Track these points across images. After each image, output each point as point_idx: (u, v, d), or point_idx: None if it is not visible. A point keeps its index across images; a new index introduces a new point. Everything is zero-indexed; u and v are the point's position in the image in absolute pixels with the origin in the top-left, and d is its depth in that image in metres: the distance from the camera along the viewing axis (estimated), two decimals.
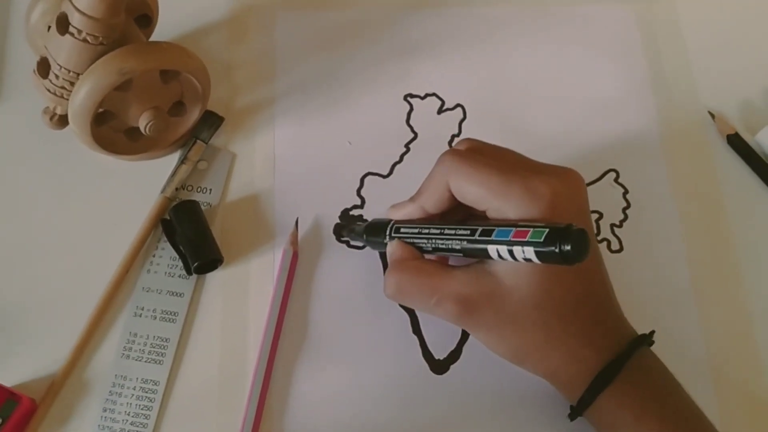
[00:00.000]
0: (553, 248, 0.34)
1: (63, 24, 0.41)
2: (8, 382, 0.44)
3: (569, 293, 0.39)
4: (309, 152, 0.51)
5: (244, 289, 0.47)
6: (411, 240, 0.42)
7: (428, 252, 0.42)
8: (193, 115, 0.49)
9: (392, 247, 0.43)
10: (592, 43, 0.55)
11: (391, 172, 0.50)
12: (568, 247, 0.33)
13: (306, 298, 0.47)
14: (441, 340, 0.46)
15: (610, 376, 0.39)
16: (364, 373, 0.45)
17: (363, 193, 0.50)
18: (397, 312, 0.47)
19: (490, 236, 0.37)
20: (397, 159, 0.51)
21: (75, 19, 0.40)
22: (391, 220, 0.44)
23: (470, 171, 0.39)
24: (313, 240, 0.48)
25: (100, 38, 0.41)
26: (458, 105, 0.53)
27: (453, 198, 0.41)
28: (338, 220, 0.49)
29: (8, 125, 0.51)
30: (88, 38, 0.41)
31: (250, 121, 0.51)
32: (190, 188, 0.49)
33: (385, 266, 0.48)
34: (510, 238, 0.36)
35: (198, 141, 0.49)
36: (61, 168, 0.50)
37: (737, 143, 0.51)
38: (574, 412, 0.41)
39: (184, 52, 0.44)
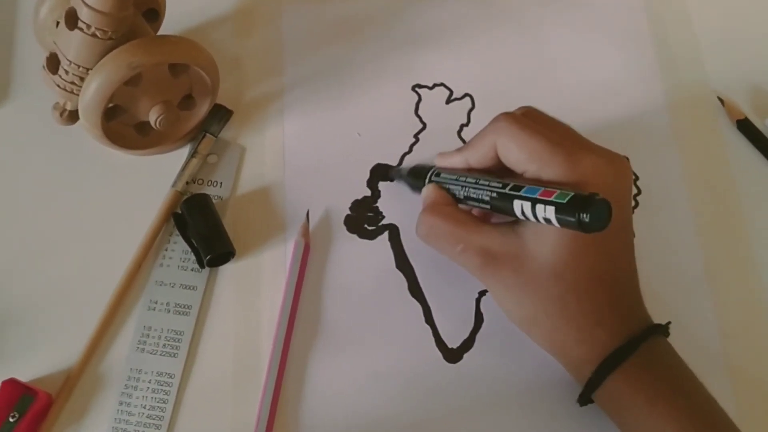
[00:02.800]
0: (572, 213, 0.34)
1: (72, 19, 0.41)
2: (24, 377, 0.44)
3: (590, 271, 0.39)
4: (318, 144, 0.51)
5: (257, 281, 0.47)
6: (447, 185, 0.43)
7: (460, 200, 0.43)
8: (203, 109, 0.49)
9: (428, 190, 0.44)
10: (600, 29, 0.55)
11: (400, 163, 0.50)
12: (587, 215, 0.34)
13: (318, 290, 0.47)
14: (454, 329, 0.46)
15: (620, 358, 0.39)
16: (378, 364, 0.45)
17: (373, 184, 0.50)
18: (409, 302, 0.47)
19: (518, 192, 0.38)
20: (407, 149, 0.51)
21: (84, 14, 0.40)
22: (434, 167, 0.45)
23: (518, 133, 0.40)
24: (324, 232, 0.48)
25: (109, 33, 0.41)
26: (466, 94, 0.52)
27: (497, 158, 0.42)
28: (349, 212, 0.49)
29: (18, 121, 0.51)
30: (97, 33, 0.41)
31: (259, 113, 0.51)
32: (200, 182, 0.49)
33: (396, 256, 0.48)
34: (536, 196, 0.36)
35: (208, 134, 0.49)
36: (71, 163, 0.50)
37: (747, 128, 0.51)
38: (584, 395, 0.41)
39: (193, 46, 0.44)
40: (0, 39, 0.53)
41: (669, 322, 0.42)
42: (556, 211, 0.35)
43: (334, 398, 0.45)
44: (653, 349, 0.40)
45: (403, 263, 0.48)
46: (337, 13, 0.55)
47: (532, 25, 0.55)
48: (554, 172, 0.38)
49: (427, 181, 0.45)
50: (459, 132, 0.51)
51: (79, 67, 0.42)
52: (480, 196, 0.41)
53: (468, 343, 0.46)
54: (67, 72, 0.43)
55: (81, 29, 0.41)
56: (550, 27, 0.55)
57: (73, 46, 0.42)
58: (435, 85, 0.53)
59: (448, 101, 0.52)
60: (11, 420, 0.42)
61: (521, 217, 0.38)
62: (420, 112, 0.52)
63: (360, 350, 0.46)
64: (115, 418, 0.44)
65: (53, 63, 0.44)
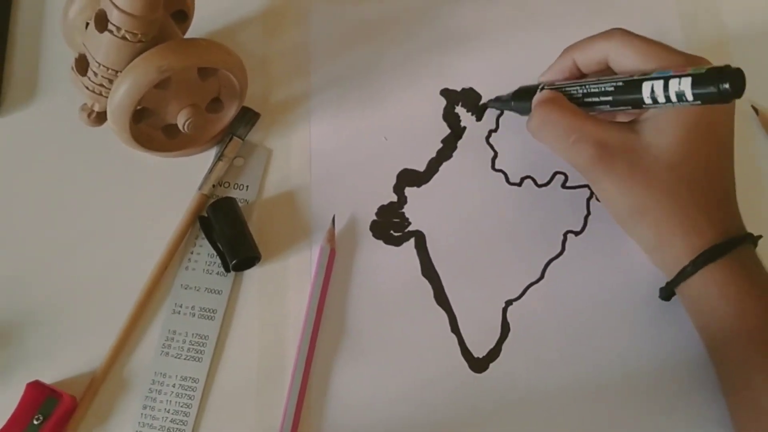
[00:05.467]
0: (711, 82, 0.36)
1: (102, 21, 0.41)
2: (49, 380, 0.44)
3: (703, 165, 0.41)
4: (345, 147, 0.50)
5: (282, 286, 0.47)
6: (562, 89, 0.44)
7: (578, 100, 0.43)
8: (231, 112, 0.48)
9: (541, 94, 0.45)
10: (630, 27, 0.54)
11: (427, 168, 0.50)
12: (727, 85, 0.35)
13: (343, 296, 0.47)
14: (480, 338, 0.46)
15: (720, 252, 0.40)
16: (403, 372, 0.45)
17: (399, 189, 0.49)
18: (435, 310, 0.46)
19: (646, 76, 0.39)
20: (434, 155, 0.50)
21: (114, 17, 0.40)
22: (540, 84, 0.46)
23: (634, 39, 0.42)
24: (350, 237, 0.48)
25: (139, 35, 0.41)
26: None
27: (603, 65, 0.43)
28: (375, 217, 0.48)
29: (45, 122, 0.51)
30: (127, 35, 0.41)
31: (286, 116, 0.51)
32: (227, 185, 0.49)
33: (422, 264, 0.47)
34: (669, 74, 0.38)
35: (234, 137, 0.49)
36: (98, 165, 0.50)
37: None
38: (672, 284, 0.43)
39: (222, 50, 0.44)
40: (28, 39, 0.53)
41: (761, 236, 0.43)
42: (693, 83, 0.36)
43: (358, 405, 0.45)
44: (746, 253, 0.42)
45: (429, 271, 0.47)
46: (365, 15, 0.54)
47: (563, 28, 0.54)
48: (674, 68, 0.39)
49: (537, 93, 0.45)
50: (487, 138, 0.51)
51: (108, 69, 0.42)
52: (602, 89, 0.41)
53: (494, 353, 0.46)
54: (95, 74, 0.43)
55: (111, 32, 0.40)
56: (581, 30, 0.54)
57: (102, 48, 0.41)
58: (464, 89, 0.52)
59: (477, 106, 0.52)
60: (35, 422, 0.42)
61: (648, 100, 0.39)
62: (447, 117, 0.51)
63: (384, 358, 0.46)
64: (139, 422, 0.44)
65: (82, 64, 0.44)
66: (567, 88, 0.44)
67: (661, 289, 0.45)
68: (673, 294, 0.44)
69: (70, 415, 0.43)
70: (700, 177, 0.41)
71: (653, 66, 0.40)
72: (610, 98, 0.41)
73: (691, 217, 0.41)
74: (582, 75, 0.45)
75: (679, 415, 0.44)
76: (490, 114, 0.51)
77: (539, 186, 0.49)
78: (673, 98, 0.38)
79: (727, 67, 0.36)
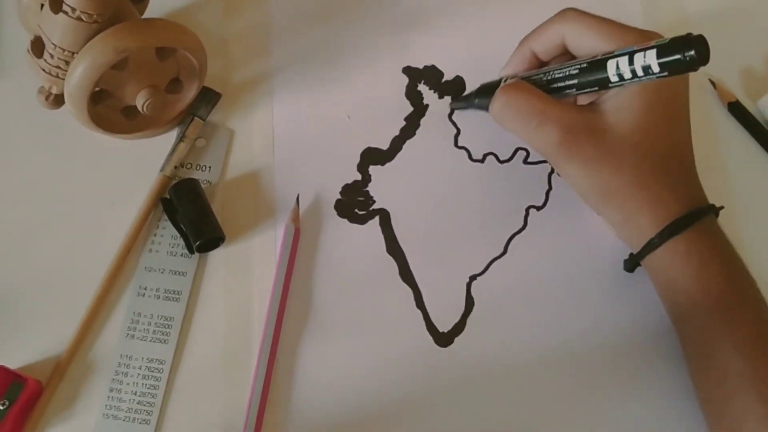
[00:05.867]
0: (677, 51, 0.36)
1: (56, 2, 0.40)
2: (13, 365, 0.44)
3: (664, 140, 0.42)
4: (308, 127, 0.50)
5: (247, 266, 0.47)
6: (525, 79, 0.44)
7: (543, 88, 0.43)
8: (190, 92, 0.48)
9: (504, 83, 0.44)
10: (591, 8, 0.54)
11: (390, 146, 0.50)
12: (692, 51, 0.36)
13: (309, 275, 0.47)
14: (445, 313, 0.46)
15: (685, 223, 0.41)
16: (369, 348, 0.46)
17: (363, 167, 0.49)
18: (400, 287, 0.47)
19: (610, 54, 0.39)
20: (397, 133, 0.50)
21: None
22: (502, 78, 0.46)
23: (589, 19, 0.42)
24: (314, 216, 0.48)
25: (95, 16, 0.40)
26: (458, 76, 0.52)
27: (561, 49, 0.43)
28: (339, 196, 0.49)
29: (3, 105, 0.50)
30: (82, 16, 0.40)
31: (248, 96, 0.51)
32: (189, 166, 0.49)
33: (387, 241, 0.48)
34: (633, 49, 0.38)
35: (195, 118, 0.49)
36: (58, 148, 0.49)
37: (739, 111, 0.51)
38: (637, 256, 0.44)
39: (180, 29, 0.43)
40: None
41: (722, 207, 0.44)
42: (658, 54, 0.37)
43: (325, 383, 0.45)
44: (709, 224, 0.42)
45: (393, 248, 0.48)
46: None
47: (524, 4, 0.54)
48: (634, 44, 0.39)
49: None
50: (450, 115, 0.51)
51: (64, 51, 0.42)
52: (567, 73, 0.41)
53: (459, 327, 0.46)
54: (52, 56, 0.42)
55: (65, 12, 0.40)
56: (543, 7, 0.54)
57: (57, 29, 0.41)
58: (426, 67, 0.52)
59: (440, 83, 0.52)
60: (1, 408, 0.42)
61: (614, 77, 0.39)
62: (410, 95, 0.51)
63: (351, 335, 0.46)
64: (106, 405, 0.44)
65: (38, 47, 0.43)
66: (531, 78, 0.44)
67: (626, 261, 0.46)
68: (637, 265, 0.45)
69: (36, 400, 0.43)
70: (662, 151, 0.42)
71: (612, 45, 0.40)
72: (575, 81, 0.41)
73: (656, 192, 0.42)
74: (543, 64, 0.45)
75: (643, 384, 0.45)
76: (453, 90, 0.51)
77: (501, 162, 0.50)
78: (639, 72, 0.38)
79: (690, 35, 0.36)
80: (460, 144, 0.50)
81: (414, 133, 0.50)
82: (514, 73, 0.46)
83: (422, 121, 0.51)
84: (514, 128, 0.43)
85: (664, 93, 0.42)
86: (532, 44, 0.44)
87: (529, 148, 0.50)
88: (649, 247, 0.42)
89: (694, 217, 0.41)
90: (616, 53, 0.39)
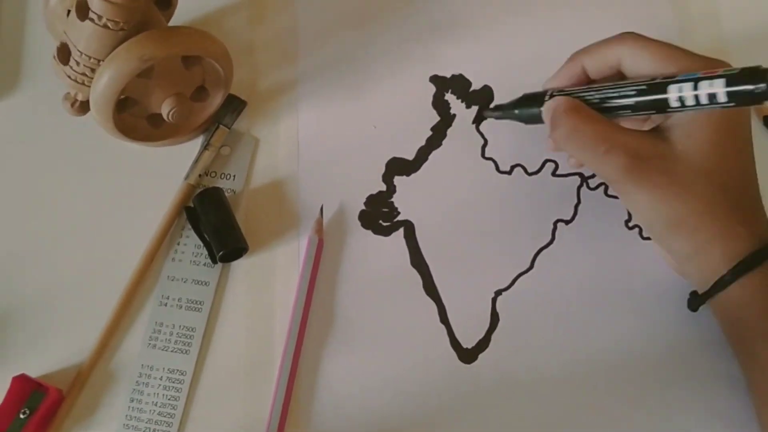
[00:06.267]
0: (747, 82, 0.35)
1: (83, 9, 0.40)
2: (35, 373, 0.44)
3: (734, 170, 0.40)
4: (333, 136, 0.50)
5: (270, 277, 0.46)
6: (576, 95, 0.42)
7: (594, 106, 0.41)
8: (216, 100, 0.48)
9: (556, 101, 0.42)
10: (623, 16, 0.53)
11: (416, 157, 0.49)
12: (764, 85, 0.34)
13: (332, 287, 0.46)
14: (469, 329, 0.46)
15: (761, 258, 0.39)
16: (392, 362, 0.45)
17: (388, 178, 0.49)
18: (424, 300, 0.46)
19: (672, 78, 0.38)
20: (423, 143, 0.50)
21: (95, 5, 0.39)
22: (547, 90, 0.44)
23: (649, 42, 0.41)
24: (338, 227, 0.47)
25: (121, 23, 0.40)
26: (486, 86, 0.51)
27: (614, 70, 0.42)
28: (364, 207, 0.48)
29: (29, 112, 0.50)
30: (109, 24, 0.40)
31: (273, 104, 0.50)
32: (213, 174, 0.48)
33: (411, 254, 0.47)
34: (698, 75, 0.37)
35: (221, 126, 0.48)
36: (83, 155, 0.49)
37: None
38: (706, 294, 0.41)
39: (206, 37, 0.43)
40: (10, 27, 0.52)
41: None
42: (727, 83, 0.35)
43: (347, 396, 0.44)
44: None
45: (418, 261, 0.47)
46: (353, 1, 0.53)
47: (553, 13, 0.53)
48: (695, 70, 0.38)
49: (546, 100, 0.43)
50: (477, 126, 0.50)
51: (90, 58, 0.41)
52: (622, 94, 0.40)
53: (483, 344, 0.45)
54: (78, 63, 0.42)
55: (92, 20, 0.40)
56: (572, 15, 0.53)
57: (83, 36, 0.41)
58: (453, 76, 0.51)
59: (467, 92, 0.51)
60: (22, 416, 0.42)
61: (675, 103, 0.37)
62: (437, 104, 0.51)
63: (373, 348, 0.45)
64: (126, 415, 0.43)
65: (64, 53, 0.43)
66: (581, 94, 0.42)
67: (690, 300, 0.44)
68: (702, 304, 0.43)
69: (57, 409, 0.43)
70: (733, 182, 0.40)
71: (673, 69, 0.39)
72: (632, 102, 0.39)
73: (729, 225, 0.40)
74: (589, 81, 0.44)
75: (674, 407, 0.44)
76: (481, 99, 0.50)
77: (529, 174, 0.49)
78: (704, 100, 0.36)
79: (760, 67, 0.35)
80: (487, 155, 0.49)
81: (440, 144, 0.50)
82: (561, 86, 0.44)
83: (449, 132, 0.50)
84: (580, 154, 0.42)
85: (731, 120, 0.40)
86: (585, 61, 0.43)
87: (556, 157, 0.49)
88: (721, 283, 0.40)
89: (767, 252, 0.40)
90: (678, 78, 0.37)
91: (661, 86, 0.38)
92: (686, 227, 0.40)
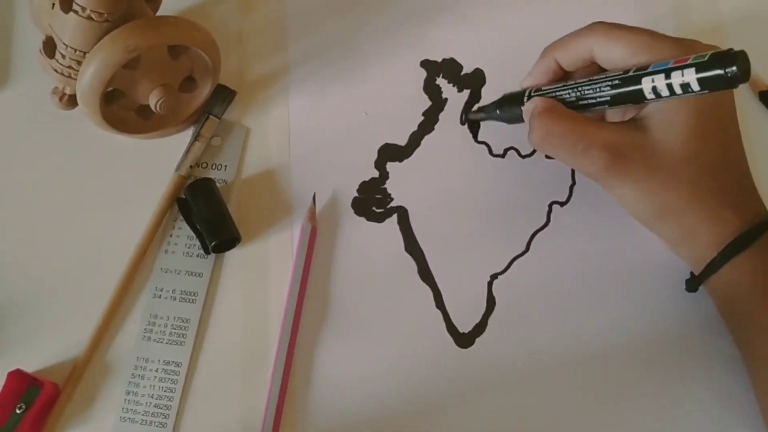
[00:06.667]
0: (718, 67, 0.34)
1: (67, 1, 0.40)
2: (30, 368, 0.44)
3: (717, 152, 0.40)
4: (324, 124, 0.49)
5: (264, 266, 0.46)
6: (553, 94, 0.42)
7: (572, 104, 0.41)
8: (205, 91, 0.47)
9: (533, 102, 0.42)
10: (623, 11, 0.52)
11: (408, 142, 0.49)
12: (734, 68, 0.33)
13: (326, 274, 0.46)
14: (465, 313, 0.45)
15: (749, 240, 0.39)
16: (388, 349, 0.45)
17: (381, 164, 0.48)
18: (419, 286, 0.46)
19: (645, 70, 0.37)
20: (415, 128, 0.49)
21: None
22: (526, 89, 0.44)
23: (618, 30, 0.40)
24: (331, 215, 0.47)
25: (105, 15, 0.40)
26: (477, 69, 0.51)
27: (588, 61, 0.41)
28: (356, 194, 0.48)
29: (17, 106, 0.50)
30: (93, 15, 0.39)
31: (263, 93, 0.50)
32: (204, 165, 0.48)
33: (405, 239, 0.47)
34: (669, 65, 0.36)
35: (210, 116, 0.48)
36: (73, 148, 0.49)
37: None
38: (699, 277, 0.41)
39: (192, 26, 0.43)
40: None
41: None
42: (697, 70, 0.34)
43: (344, 384, 0.44)
44: None
45: (412, 246, 0.47)
46: None
47: None
48: (666, 58, 0.37)
49: (525, 99, 0.43)
50: (470, 109, 0.49)
51: (75, 50, 0.41)
52: (598, 90, 0.39)
53: (480, 328, 0.45)
54: (63, 56, 0.42)
55: (76, 12, 0.39)
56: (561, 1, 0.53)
57: (68, 29, 0.40)
58: (444, 60, 0.51)
59: (459, 76, 0.51)
60: (18, 411, 0.42)
61: (650, 95, 0.37)
62: (428, 89, 0.50)
63: (369, 335, 0.45)
64: (123, 408, 0.43)
65: (49, 47, 0.43)
66: (558, 93, 0.41)
67: (687, 282, 0.44)
68: (698, 285, 0.43)
69: (53, 403, 0.43)
70: (718, 164, 0.40)
71: (644, 57, 0.38)
72: (608, 98, 0.39)
73: (715, 208, 0.40)
74: (565, 74, 0.43)
75: (671, 388, 0.44)
76: (472, 83, 0.50)
77: (523, 157, 0.48)
78: (678, 90, 0.36)
79: (730, 50, 0.34)
80: (480, 139, 0.49)
81: (433, 129, 0.49)
82: (537, 83, 0.43)
83: (441, 116, 0.50)
84: (557, 155, 0.41)
85: (711, 102, 0.39)
86: (557, 55, 0.42)
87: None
88: (711, 267, 0.40)
89: (756, 232, 0.39)
90: (650, 69, 0.37)
91: (634, 79, 0.37)
92: (673, 214, 0.40)
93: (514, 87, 0.49)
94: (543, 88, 0.42)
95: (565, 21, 0.52)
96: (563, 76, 0.43)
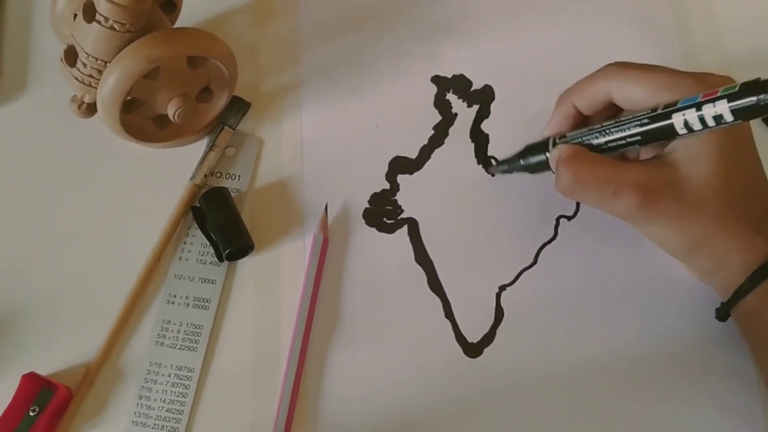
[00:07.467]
0: (750, 95, 0.34)
1: (90, 12, 0.41)
2: (44, 371, 0.44)
3: (744, 182, 0.40)
4: (337, 136, 0.50)
5: (276, 275, 0.47)
6: (580, 139, 0.42)
7: (599, 148, 0.41)
8: (221, 101, 0.48)
9: (559, 150, 0.42)
10: (624, 19, 0.54)
11: (419, 155, 0.50)
12: (766, 95, 0.34)
13: (337, 284, 0.47)
14: (474, 323, 0.46)
15: None
16: (398, 358, 0.45)
17: (391, 176, 0.49)
18: (429, 296, 0.46)
19: (674, 106, 0.37)
20: (425, 142, 0.50)
21: (101, 7, 0.40)
22: (548, 138, 0.44)
23: (635, 71, 0.40)
24: (343, 225, 0.48)
25: (127, 25, 0.41)
26: (486, 85, 0.52)
27: (605, 103, 0.42)
28: (368, 205, 0.48)
29: (36, 114, 0.51)
30: (115, 26, 0.40)
31: (277, 105, 0.51)
32: (218, 175, 0.49)
33: (416, 250, 0.47)
34: (698, 100, 0.36)
35: (225, 127, 0.49)
36: (90, 156, 0.49)
37: None
38: (728, 304, 0.42)
39: (211, 38, 0.44)
40: (17, 30, 0.53)
41: None
42: (729, 101, 0.35)
43: (354, 392, 0.45)
44: None
45: (422, 257, 0.47)
46: (355, 2, 0.54)
47: (553, 13, 0.54)
48: (688, 93, 0.38)
49: (550, 147, 0.43)
50: (479, 124, 0.50)
51: (97, 60, 0.42)
52: (626, 131, 0.40)
53: (488, 338, 0.46)
54: (84, 65, 0.43)
55: (98, 22, 0.40)
56: (572, 15, 0.54)
57: (90, 38, 0.41)
58: (454, 76, 0.52)
59: (468, 92, 0.52)
60: (31, 414, 0.42)
61: (682, 130, 0.37)
62: (439, 104, 0.51)
63: (379, 345, 0.46)
64: (135, 412, 0.44)
65: (71, 56, 0.44)
66: (585, 137, 0.42)
67: (717, 310, 0.44)
68: (727, 313, 0.43)
69: (66, 407, 0.43)
70: (743, 194, 0.40)
71: (666, 94, 0.39)
72: (638, 137, 0.39)
73: (744, 237, 0.40)
74: (583, 118, 0.44)
75: (676, 399, 0.44)
76: (482, 99, 0.51)
77: None
78: (710, 122, 0.36)
79: (759, 79, 0.35)
80: (489, 153, 0.50)
81: (442, 142, 0.50)
82: (558, 131, 0.44)
83: (451, 130, 0.51)
84: (588, 200, 0.42)
85: (730, 133, 0.39)
86: (574, 100, 0.43)
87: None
88: (740, 292, 0.41)
89: None
90: (680, 105, 0.37)
91: (663, 116, 0.38)
92: (705, 247, 0.41)
93: (522, 103, 0.50)
94: (568, 134, 0.43)
95: (572, 40, 0.53)
96: (582, 120, 0.44)
